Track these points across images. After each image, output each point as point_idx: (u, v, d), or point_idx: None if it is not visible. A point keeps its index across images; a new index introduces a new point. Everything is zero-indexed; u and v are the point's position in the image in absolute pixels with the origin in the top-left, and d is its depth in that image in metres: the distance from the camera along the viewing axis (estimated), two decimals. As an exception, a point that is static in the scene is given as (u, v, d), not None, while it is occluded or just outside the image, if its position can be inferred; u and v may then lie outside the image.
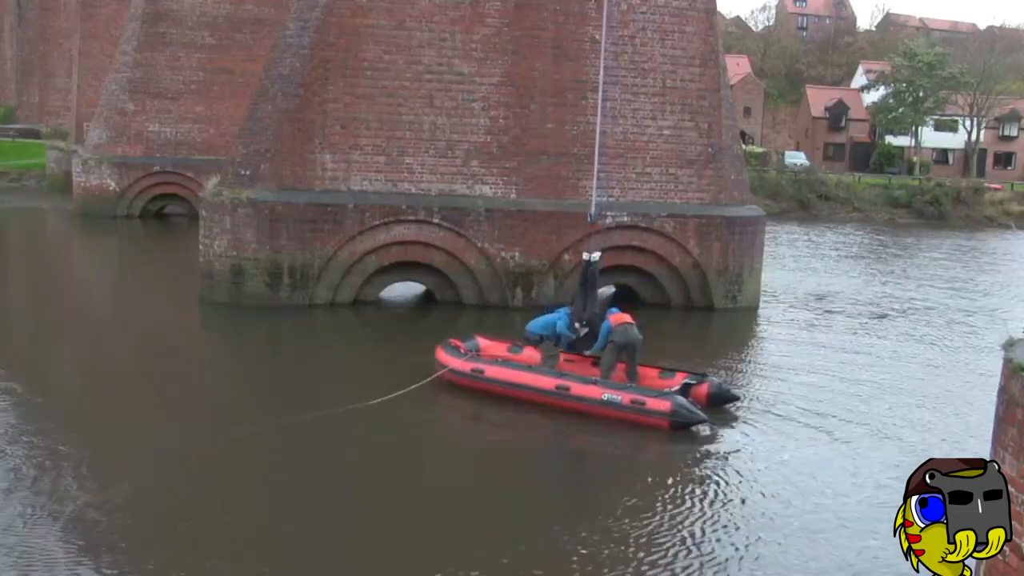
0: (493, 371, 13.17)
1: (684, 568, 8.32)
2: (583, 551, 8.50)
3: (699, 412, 12.14)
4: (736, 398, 13.26)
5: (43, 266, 27.52)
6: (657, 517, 9.41)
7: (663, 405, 11.94)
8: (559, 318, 14.02)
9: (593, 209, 15.89)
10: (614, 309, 13.88)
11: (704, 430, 12.07)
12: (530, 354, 14.07)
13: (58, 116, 54.37)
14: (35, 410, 12.15)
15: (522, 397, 12.81)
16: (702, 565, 8.37)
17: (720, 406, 12.87)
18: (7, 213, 37.61)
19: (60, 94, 54.41)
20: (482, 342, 14.39)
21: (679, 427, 11.93)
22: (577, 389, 12.51)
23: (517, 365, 13.39)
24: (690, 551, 8.66)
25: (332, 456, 11.08)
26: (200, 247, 19.46)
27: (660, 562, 8.41)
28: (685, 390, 12.70)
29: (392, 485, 10.13)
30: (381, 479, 10.33)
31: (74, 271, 27.61)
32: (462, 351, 13.75)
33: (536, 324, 14.15)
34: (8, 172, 47.19)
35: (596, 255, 14.47)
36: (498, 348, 14.27)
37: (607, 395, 12.30)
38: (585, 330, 13.92)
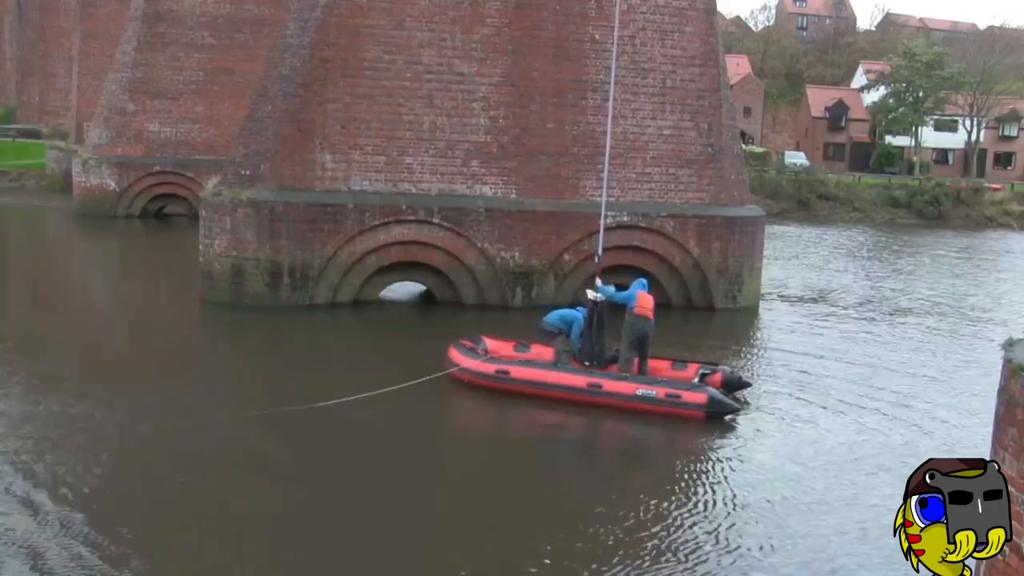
0: (519, 371, 13.09)
1: (713, 556, 8.39)
2: (599, 542, 8.52)
3: (732, 402, 12.55)
4: (748, 384, 13.58)
5: (43, 266, 27.52)
6: (683, 500, 9.50)
7: (699, 397, 12.24)
8: (576, 318, 13.81)
9: (600, 250, 15.17)
10: (643, 284, 13.92)
11: (733, 418, 12.42)
12: (538, 351, 14.02)
13: (58, 116, 54.44)
14: (34, 406, 12.13)
15: (552, 396, 12.79)
16: (724, 552, 8.41)
17: (732, 393, 13.15)
18: (7, 213, 37.61)
19: (60, 94, 54.47)
20: (489, 342, 14.25)
21: (713, 417, 12.22)
22: (610, 386, 12.60)
23: (543, 364, 13.35)
24: (715, 539, 8.71)
25: (340, 447, 11.10)
26: (200, 247, 19.46)
27: (690, 546, 8.47)
28: (701, 379, 12.98)
29: (407, 476, 10.13)
30: (396, 471, 10.32)
31: (74, 271, 27.62)
32: (479, 352, 13.65)
33: (553, 316, 13.99)
34: (8, 172, 47.23)
35: (604, 294, 13.90)
36: (504, 347, 14.18)
37: (641, 390, 12.44)
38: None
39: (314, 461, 10.80)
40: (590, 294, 13.90)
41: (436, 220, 19.37)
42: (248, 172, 19.10)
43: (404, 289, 20.81)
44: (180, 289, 21.15)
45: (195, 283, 19.75)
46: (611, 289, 13.89)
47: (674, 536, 8.91)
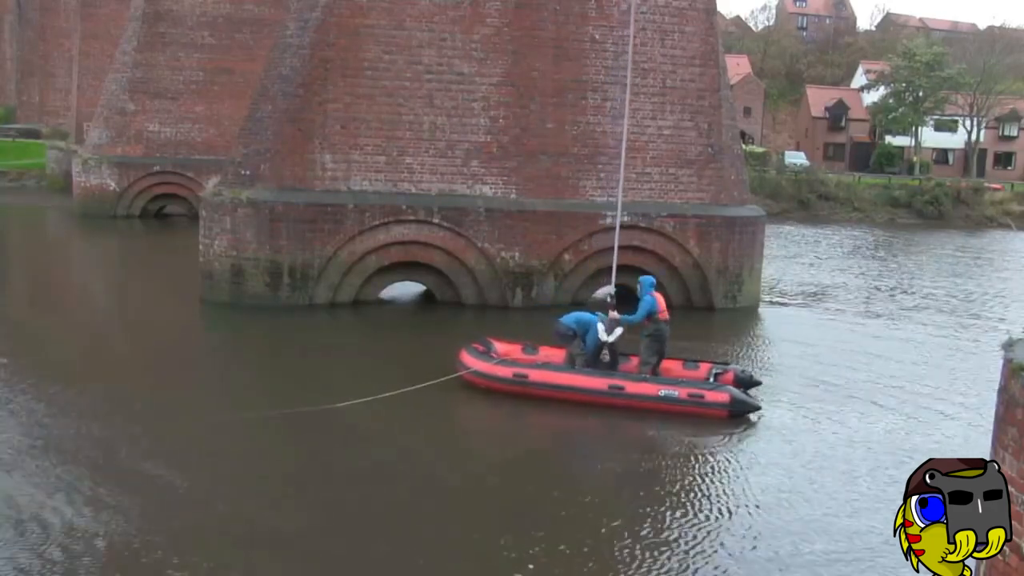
0: (539, 375, 12.93)
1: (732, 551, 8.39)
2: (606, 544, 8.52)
3: (754, 400, 12.66)
4: (759, 383, 13.57)
5: (43, 266, 27.51)
6: (698, 504, 9.52)
7: (722, 397, 12.35)
8: (592, 322, 13.56)
9: (613, 290, 14.63)
10: (652, 282, 13.87)
11: (747, 417, 12.53)
12: (546, 353, 13.88)
13: (58, 116, 54.43)
14: (33, 407, 12.13)
15: (572, 399, 12.71)
16: (741, 559, 8.41)
17: (745, 391, 13.16)
18: (7, 213, 37.62)
19: (60, 94, 54.46)
20: (497, 345, 14.00)
21: (735, 416, 12.32)
22: (632, 387, 12.59)
23: (562, 367, 13.26)
24: (731, 543, 8.70)
25: (346, 449, 11.06)
26: (200, 247, 19.46)
27: (705, 551, 8.48)
28: (715, 379, 13.04)
29: (415, 481, 10.09)
30: (404, 475, 10.27)
31: (74, 271, 27.61)
32: (491, 355, 13.47)
33: (570, 318, 13.73)
34: (8, 172, 47.24)
35: (617, 333, 13.54)
36: (512, 350, 13.96)
37: (664, 391, 12.47)
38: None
39: (318, 463, 10.75)
40: (602, 336, 13.44)
41: (436, 220, 19.37)
42: (248, 172, 19.10)
43: (404, 289, 20.81)
44: (180, 289, 21.15)
45: (195, 283, 19.75)
46: (629, 317, 13.57)
47: (689, 540, 8.86)
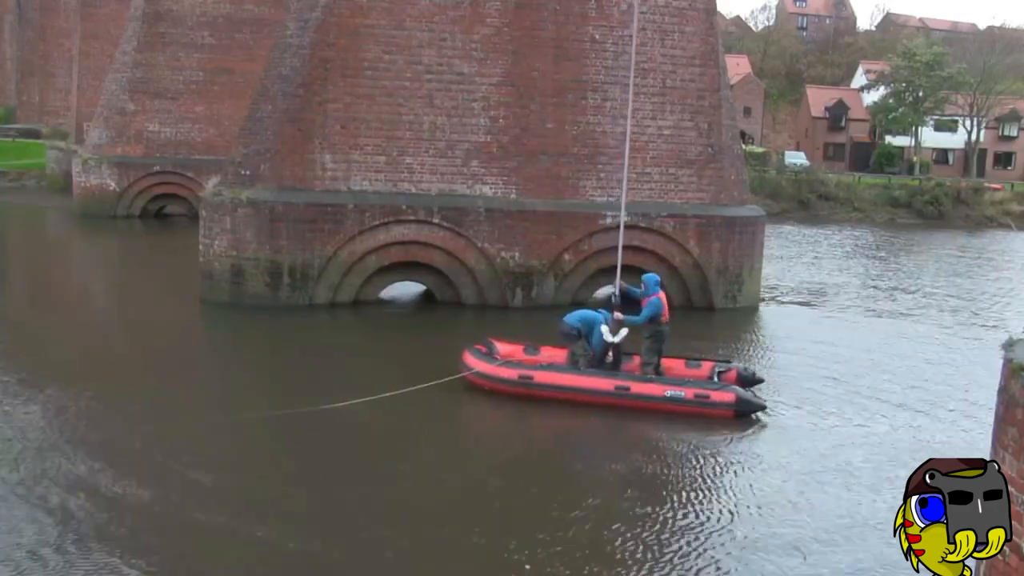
0: (544, 376, 12.88)
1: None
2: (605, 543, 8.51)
3: (759, 399, 12.67)
4: (761, 381, 13.58)
5: (43, 266, 27.50)
6: (703, 506, 9.53)
7: (728, 397, 12.39)
8: (596, 320, 13.50)
9: (616, 289, 14.17)
10: (657, 281, 13.81)
11: (757, 417, 12.56)
12: (549, 354, 13.81)
13: (58, 116, 54.43)
14: (32, 408, 12.12)
15: (578, 400, 12.68)
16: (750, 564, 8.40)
17: (748, 389, 13.15)
18: (7, 213, 37.62)
19: (60, 94, 54.46)
20: (499, 346, 13.93)
21: (741, 415, 12.35)
22: (638, 388, 12.59)
23: (567, 368, 13.23)
24: (741, 547, 8.68)
25: (348, 449, 11.04)
26: (200, 247, 19.46)
27: (713, 554, 8.45)
28: (717, 377, 13.06)
29: (416, 483, 10.08)
30: (406, 476, 10.25)
31: (74, 271, 27.60)
32: (495, 357, 13.41)
33: (574, 317, 13.61)
34: (8, 172, 47.25)
35: (622, 334, 13.40)
36: (514, 350, 13.88)
37: (670, 391, 12.47)
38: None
39: (318, 463, 10.74)
40: (607, 337, 13.35)
41: (436, 220, 19.37)
42: (248, 172, 19.10)
43: (404, 289, 20.80)
44: (180, 289, 21.15)
45: (195, 283, 19.75)
46: (633, 318, 13.47)
47: (692, 543, 8.85)
